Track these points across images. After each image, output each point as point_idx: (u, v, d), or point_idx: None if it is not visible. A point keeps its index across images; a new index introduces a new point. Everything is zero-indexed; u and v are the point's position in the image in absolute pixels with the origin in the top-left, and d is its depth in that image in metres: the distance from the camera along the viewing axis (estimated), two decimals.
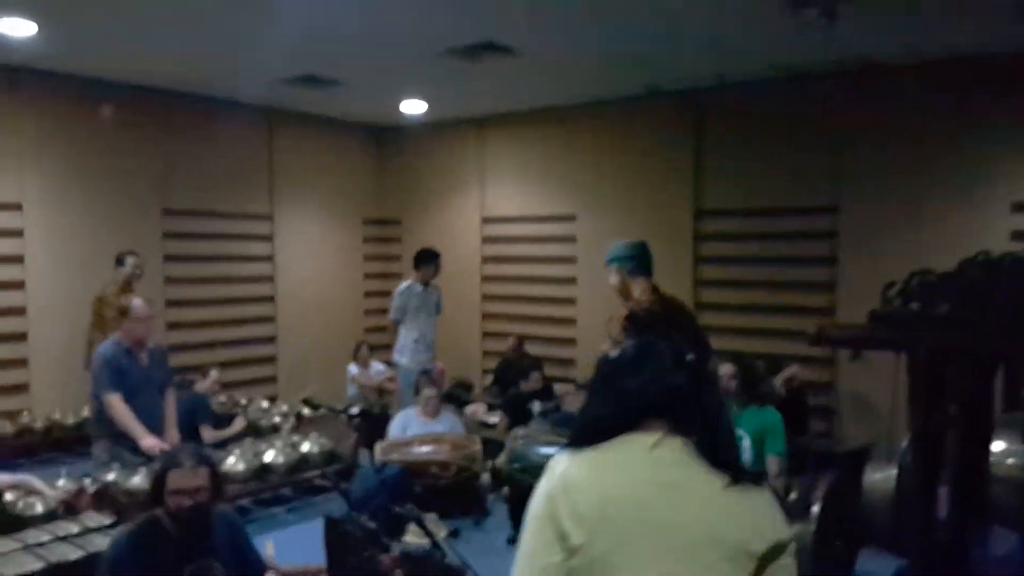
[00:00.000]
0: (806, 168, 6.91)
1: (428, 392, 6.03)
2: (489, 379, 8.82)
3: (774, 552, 1.51)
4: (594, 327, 7.98)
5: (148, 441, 4.72)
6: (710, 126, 7.47)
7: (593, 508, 1.52)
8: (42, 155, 6.96)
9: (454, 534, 4.97)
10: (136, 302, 4.97)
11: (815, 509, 3.35)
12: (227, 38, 5.89)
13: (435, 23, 5.48)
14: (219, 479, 3.09)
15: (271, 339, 8.79)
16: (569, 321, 8.46)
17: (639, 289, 3.52)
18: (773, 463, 4.74)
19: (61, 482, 4.43)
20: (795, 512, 3.53)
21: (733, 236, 7.43)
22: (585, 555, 1.50)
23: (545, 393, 7.02)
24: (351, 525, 3.72)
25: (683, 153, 7.55)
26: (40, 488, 4.20)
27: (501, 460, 5.57)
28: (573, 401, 6.36)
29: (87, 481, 4.56)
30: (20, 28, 5.53)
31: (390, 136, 9.87)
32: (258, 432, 6.38)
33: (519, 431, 5.19)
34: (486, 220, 9.17)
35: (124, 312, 4.92)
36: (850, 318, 5.57)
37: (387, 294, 9.43)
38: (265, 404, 7.36)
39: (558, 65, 6.58)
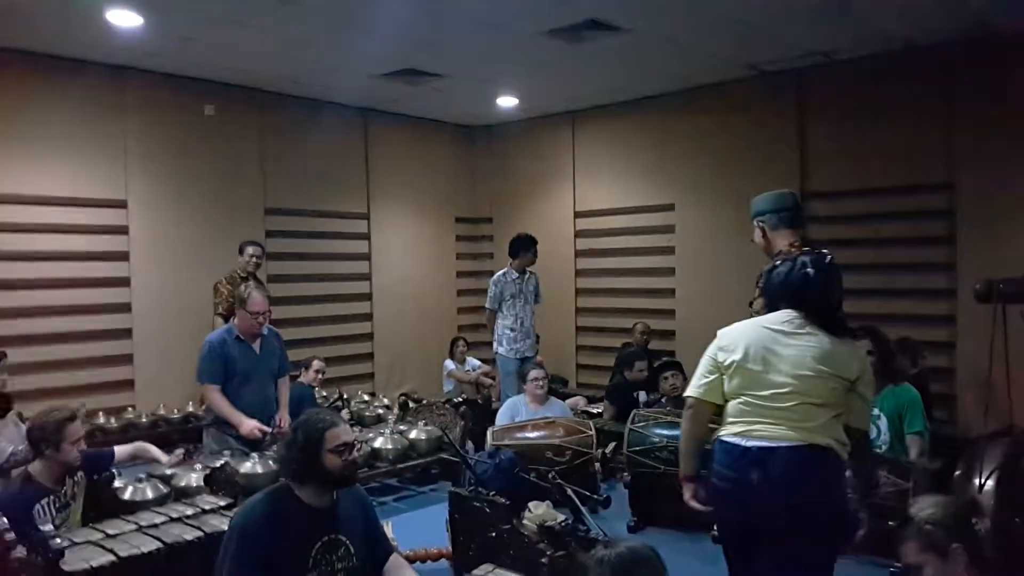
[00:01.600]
0: (918, 144, 6.56)
1: (536, 373, 5.85)
2: (585, 374, 8.68)
3: (860, 377, 2.68)
4: (694, 317, 7.75)
5: (247, 426, 4.72)
6: (814, 105, 7.16)
7: (734, 340, 2.75)
8: (147, 154, 7.05)
9: (606, 503, 4.66)
10: (256, 295, 4.87)
11: (989, 485, 3.06)
12: (328, 29, 5.89)
13: (539, 1, 5.37)
14: None
15: (368, 336, 8.78)
16: (668, 312, 8.20)
17: (784, 242, 3.20)
18: (914, 443, 4.44)
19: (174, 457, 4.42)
20: (960, 488, 3.25)
21: (843, 218, 7.08)
22: (729, 364, 2.71)
23: (650, 383, 6.78)
24: (479, 501, 3.60)
25: (786, 134, 7.26)
26: (158, 455, 4.24)
27: (611, 448, 5.40)
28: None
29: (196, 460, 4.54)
30: (126, 19, 5.61)
31: (482, 134, 9.83)
32: (362, 423, 6.31)
33: (638, 413, 4.97)
34: (579, 214, 9.01)
35: (243, 302, 4.86)
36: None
37: (480, 292, 9.38)
38: (367, 397, 7.31)
39: (659, 46, 6.38)
